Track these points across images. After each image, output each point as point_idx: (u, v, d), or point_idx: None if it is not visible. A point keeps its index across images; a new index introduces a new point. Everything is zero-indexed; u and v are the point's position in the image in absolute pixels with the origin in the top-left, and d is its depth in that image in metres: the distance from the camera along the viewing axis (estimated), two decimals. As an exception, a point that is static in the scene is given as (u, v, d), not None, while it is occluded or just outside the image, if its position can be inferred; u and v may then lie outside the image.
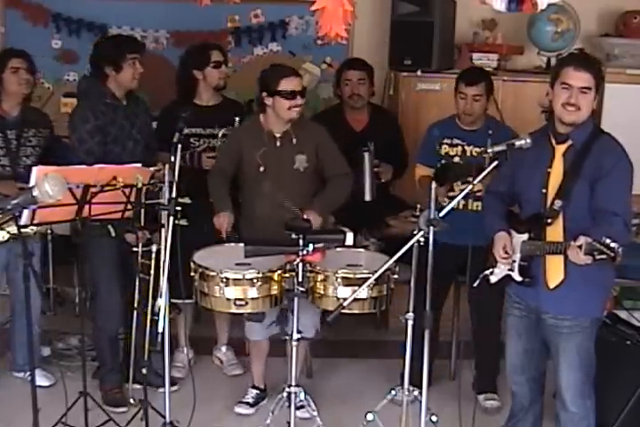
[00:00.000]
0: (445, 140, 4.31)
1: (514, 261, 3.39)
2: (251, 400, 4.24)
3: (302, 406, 3.89)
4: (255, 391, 4.27)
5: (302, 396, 3.67)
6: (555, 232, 3.30)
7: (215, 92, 4.49)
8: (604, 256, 2.99)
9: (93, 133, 3.97)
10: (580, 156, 3.27)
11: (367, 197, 4.55)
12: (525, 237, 3.36)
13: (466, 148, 4.27)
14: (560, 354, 3.39)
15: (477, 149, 4.22)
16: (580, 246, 3.04)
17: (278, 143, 4.05)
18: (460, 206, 4.11)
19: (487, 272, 3.49)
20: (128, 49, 4.02)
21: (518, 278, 3.40)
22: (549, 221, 3.29)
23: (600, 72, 3.28)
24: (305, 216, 3.87)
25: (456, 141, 4.29)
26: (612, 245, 2.97)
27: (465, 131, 4.29)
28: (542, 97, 3.58)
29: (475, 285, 3.51)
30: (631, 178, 3.30)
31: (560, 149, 3.32)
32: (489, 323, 4.20)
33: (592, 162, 3.25)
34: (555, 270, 3.32)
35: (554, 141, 3.33)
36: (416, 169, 4.47)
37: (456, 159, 4.28)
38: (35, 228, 3.71)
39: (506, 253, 3.36)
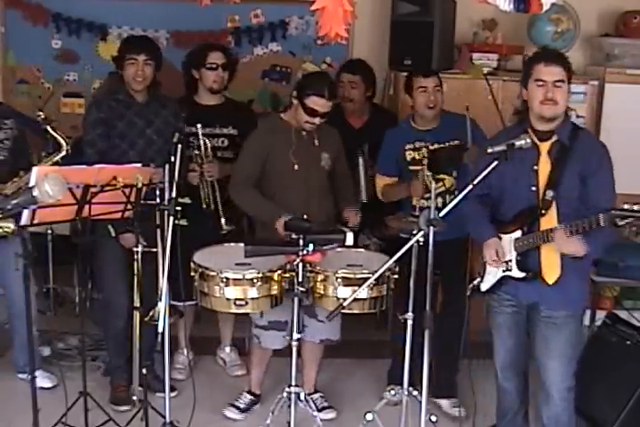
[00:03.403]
0: (408, 146, 4.16)
1: (509, 261, 3.42)
2: (242, 405, 4.20)
3: (324, 408, 4.03)
4: (250, 397, 4.24)
5: (302, 396, 3.67)
6: (549, 223, 3.33)
7: (214, 93, 4.43)
8: (628, 220, 3.04)
9: (95, 125, 4.04)
10: (564, 151, 3.33)
11: (363, 199, 4.55)
12: (518, 234, 3.39)
13: (430, 147, 4.15)
14: (551, 344, 3.43)
15: (442, 146, 4.14)
16: (597, 220, 3.08)
17: (306, 141, 4.03)
18: (440, 204, 4.08)
19: (475, 282, 3.55)
20: (127, 49, 4.07)
21: (520, 275, 3.41)
22: (543, 212, 3.33)
23: (569, 64, 3.34)
24: (346, 216, 4.01)
25: (418, 144, 4.16)
26: (636, 207, 3.03)
27: (423, 131, 4.18)
28: (514, 98, 3.62)
29: (468, 294, 3.56)
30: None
31: (545, 147, 3.37)
32: (456, 321, 3.97)
33: (578, 157, 3.32)
34: (551, 266, 3.37)
35: (536, 139, 3.36)
36: (377, 180, 4.33)
37: (424, 162, 4.12)
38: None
39: (497, 256, 3.40)
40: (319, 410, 4.05)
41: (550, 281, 3.37)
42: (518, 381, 3.66)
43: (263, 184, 4.02)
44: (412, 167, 4.17)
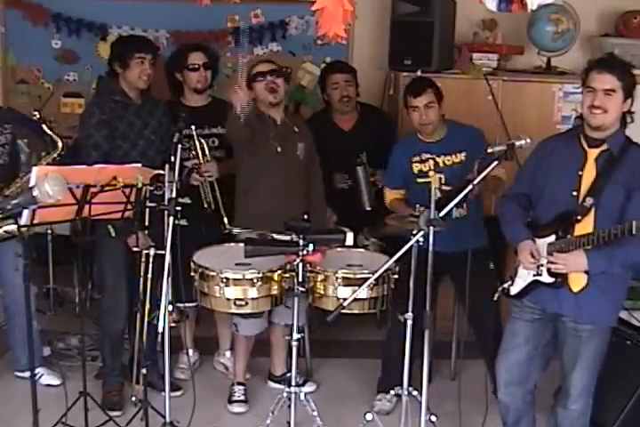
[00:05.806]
0: (414, 159, 4.16)
1: (541, 266, 3.36)
2: (243, 397, 4.25)
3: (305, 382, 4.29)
4: (243, 388, 4.28)
5: (302, 396, 3.67)
6: (584, 231, 3.26)
7: (200, 93, 4.45)
8: None
9: (99, 127, 4.00)
10: (613, 161, 3.27)
11: (367, 207, 4.66)
12: (552, 239, 3.33)
13: (437, 159, 4.13)
14: (577, 356, 3.38)
15: (449, 158, 4.13)
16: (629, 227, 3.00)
17: (286, 127, 4.16)
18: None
19: (505, 285, 3.50)
20: (136, 48, 4.06)
21: (549, 280, 3.35)
22: (579, 217, 3.27)
23: (626, 73, 3.24)
24: None
25: (425, 156, 4.14)
26: None
27: (430, 143, 4.17)
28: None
29: (495, 299, 3.55)
30: None
31: (593, 154, 3.31)
32: (489, 323, 4.06)
33: (626, 169, 3.25)
34: (578, 274, 3.30)
35: (586, 145, 3.32)
36: (386, 193, 4.38)
37: (431, 173, 4.14)
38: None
39: (533, 257, 3.34)
40: (301, 385, 4.09)
41: (575, 289, 3.31)
42: (522, 399, 3.55)
43: (246, 171, 4.12)
44: (419, 180, 4.17)
